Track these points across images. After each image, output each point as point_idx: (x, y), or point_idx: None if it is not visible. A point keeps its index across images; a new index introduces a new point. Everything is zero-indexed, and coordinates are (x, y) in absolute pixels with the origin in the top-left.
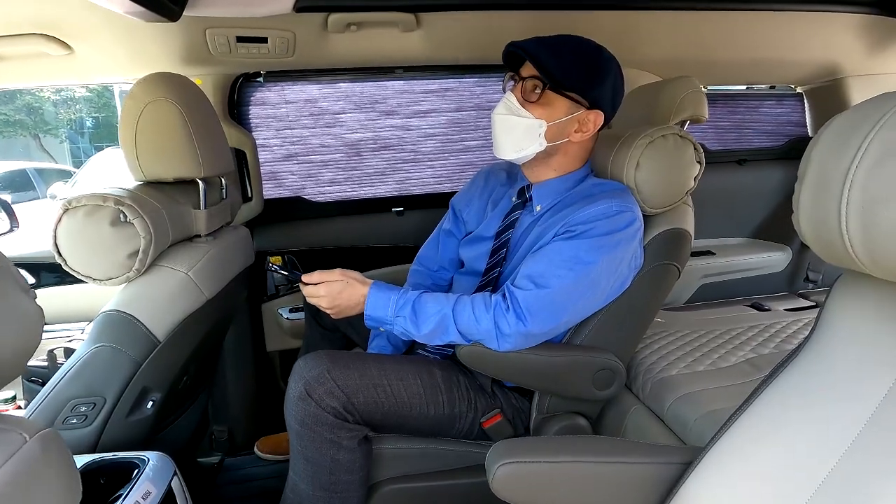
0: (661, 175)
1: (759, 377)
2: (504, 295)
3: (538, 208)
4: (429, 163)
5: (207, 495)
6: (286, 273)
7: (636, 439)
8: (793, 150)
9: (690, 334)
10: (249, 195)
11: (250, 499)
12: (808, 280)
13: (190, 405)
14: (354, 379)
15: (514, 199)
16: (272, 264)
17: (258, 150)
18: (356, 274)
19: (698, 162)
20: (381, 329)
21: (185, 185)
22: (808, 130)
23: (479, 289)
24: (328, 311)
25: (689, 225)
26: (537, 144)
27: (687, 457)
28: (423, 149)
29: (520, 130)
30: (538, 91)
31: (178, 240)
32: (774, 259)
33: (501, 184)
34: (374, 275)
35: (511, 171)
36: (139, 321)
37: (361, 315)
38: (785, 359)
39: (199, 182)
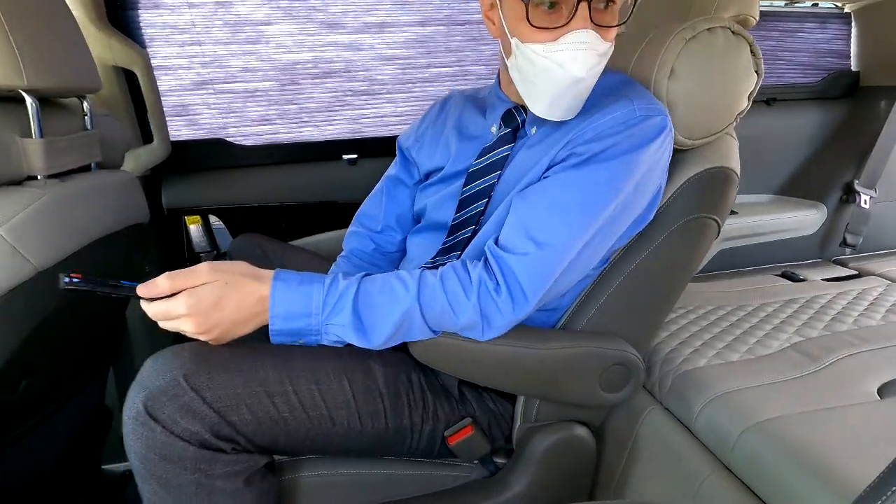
0: (706, 87)
1: (815, 369)
2: (487, 264)
3: (533, 131)
4: (387, 95)
5: None
6: (90, 287)
7: (652, 452)
8: (832, 87)
9: (715, 311)
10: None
11: None
12: (846, 244)
13: (58, 409)
14: (234, 386)
15: (494, 129)
16: (67, 277)
17: (157, 73)
18: (241, 266)
19: (756, 72)
20: (301, 342)
21: (6, 103)
22: (852, 62)
23: (443, 252)
24: (201, 338)
25: (736, 163)
26: None
27: None
28: (380, 76)
29: (600, 72)
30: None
31: None
32: (806, 219)
33: (464, 109)
34: (319, 241)
35: (476, 94)
36: None
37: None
38: None
39: (26, 96)
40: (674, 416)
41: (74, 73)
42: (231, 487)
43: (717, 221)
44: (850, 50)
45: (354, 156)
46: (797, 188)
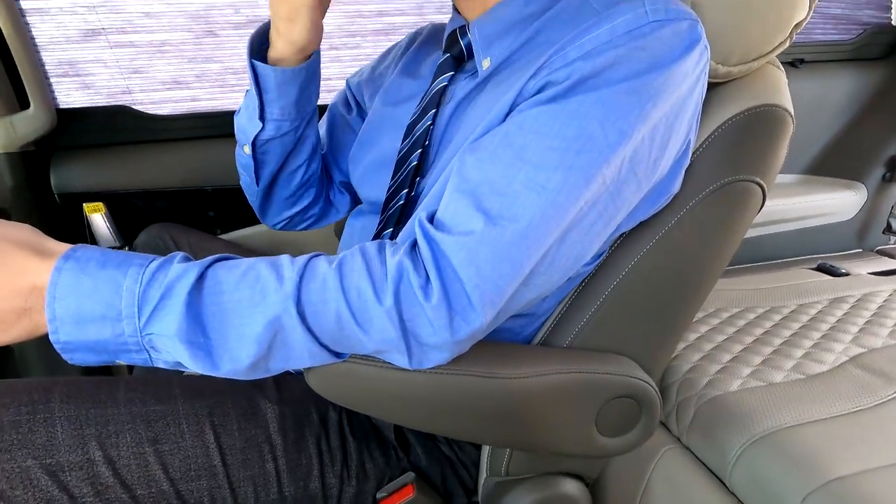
0: None
1: (892, 394)
2: (415, 249)
3: (486, 64)
4: (331, 51)
5: None
6: None
7: None
8: (870, 45)
9: (743, 314)
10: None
11: None
12: (891, 231)
13: None
14: None
15: (439, 60)
16: None
17: (30, 17)
18: (20, 230)
19: None
20: (119, 362)
21: None
22: (893, 16)
23: (377, 237)
24: None
25: (788, 102)
26: None
27: None
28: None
29: None
30: None
31: None
32: (842, 202)
33: (425, 42)
34: (255, 235)
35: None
36: None
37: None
38: None
39: None
40: (699, 460)
41: None
42: None
43: (761, 187)
44: (891, 1)
45: None
46: (831, 166)
